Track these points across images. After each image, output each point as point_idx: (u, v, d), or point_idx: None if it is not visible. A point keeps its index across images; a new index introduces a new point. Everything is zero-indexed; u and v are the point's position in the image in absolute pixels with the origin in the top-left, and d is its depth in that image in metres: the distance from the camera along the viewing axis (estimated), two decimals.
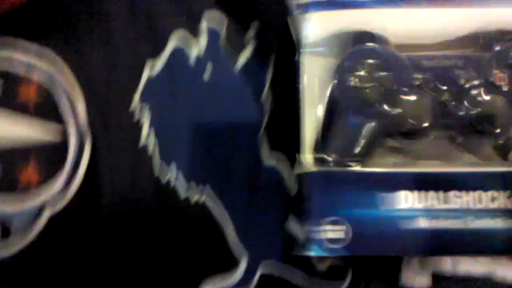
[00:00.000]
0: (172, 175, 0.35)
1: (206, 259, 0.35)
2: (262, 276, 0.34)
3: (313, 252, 0.28)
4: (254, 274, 0.34)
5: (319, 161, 0.32)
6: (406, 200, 0.28)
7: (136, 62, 0.36)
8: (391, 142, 0.31)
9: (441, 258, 0.33)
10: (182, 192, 0.35)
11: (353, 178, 0.29)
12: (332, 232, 0.28)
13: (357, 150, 0.31)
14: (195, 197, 0.35)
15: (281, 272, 0.34)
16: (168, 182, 0.35)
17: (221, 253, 0.34)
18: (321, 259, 0.34)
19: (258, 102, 0.36)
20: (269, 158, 0.35)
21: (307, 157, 0.32)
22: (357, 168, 0.31)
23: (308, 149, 0.32)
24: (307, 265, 0.34)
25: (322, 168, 0.30)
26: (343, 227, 0.28)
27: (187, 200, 0.35)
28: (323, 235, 0.28)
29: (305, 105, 0.32)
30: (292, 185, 0.35)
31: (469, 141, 0.31)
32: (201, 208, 0.35)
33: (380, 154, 0.32)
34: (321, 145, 0.32)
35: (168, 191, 0.35)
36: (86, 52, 0.36)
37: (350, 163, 0.31)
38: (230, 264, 0.34)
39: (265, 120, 0.36)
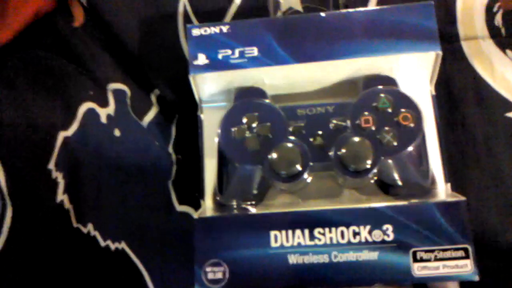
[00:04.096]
0: (91, 227, 0.38)
1: None
2: None
3: None
4: None
5: (219, 206, 0.35)
6: (276, 240, 0.31)
7: (51, 128, 0.39)
8: (279, 185, 0.34)
9: None
10: (102, 241, 0.38)
11: (228, 222, 0.32)
12: (212, 273, 0.31)
13: (250, 193, 0.34)
14: (114, 245, 0.38)
15: None
16: (88, 232, 0.38)
17: None
18: None
19: (166, 154, 0.39)
20: (180, 205, 0.38)
21: (208, 203, 0.35)
22: (251, 210, 0.34)
23: (209, 195, 0.35)
24: None
25: (204, 215, 0.33)
26: (222, 268, 0.31)
27: (107, 247, 0.38)
28: (204, 277, 0.31)
29: (205, 155, 0.35)
30: None
31: (348, 179, 0.33)
32: (121, 254, 0.38)
33: (273, 195, 0.35)
34: (218, 191, 0.35)
35: (89, 239, 0.38)
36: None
37: (247, 206, 0.34)
38: None
39: (174, 169, 0.39)
